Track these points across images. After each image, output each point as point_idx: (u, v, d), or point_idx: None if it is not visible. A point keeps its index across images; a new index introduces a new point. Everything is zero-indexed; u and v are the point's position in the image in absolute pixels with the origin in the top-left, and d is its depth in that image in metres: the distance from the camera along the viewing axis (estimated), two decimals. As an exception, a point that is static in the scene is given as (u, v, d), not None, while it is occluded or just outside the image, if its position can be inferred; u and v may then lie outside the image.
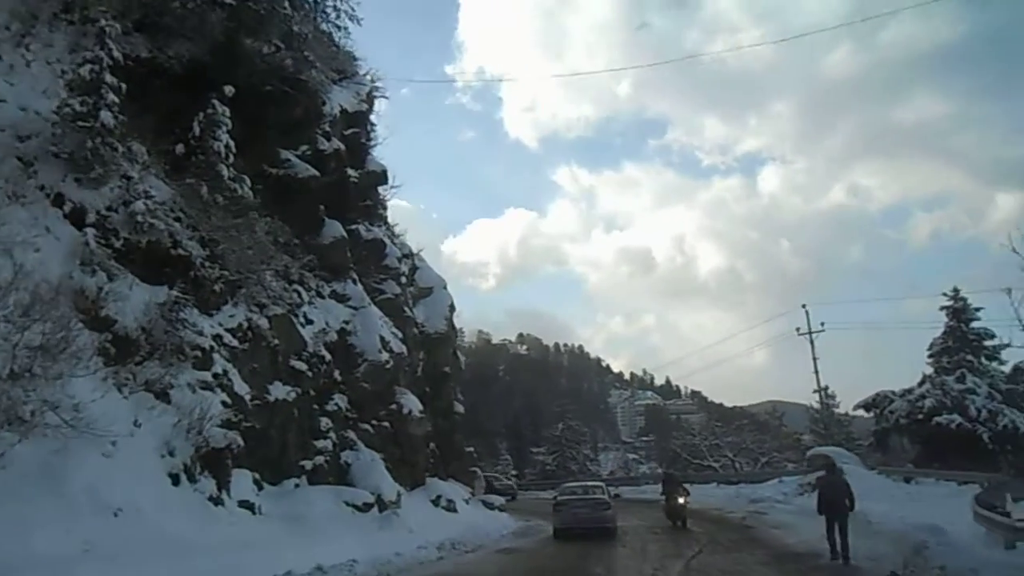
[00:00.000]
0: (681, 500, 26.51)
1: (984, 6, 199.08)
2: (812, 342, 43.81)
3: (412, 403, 29.16)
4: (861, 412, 53.01)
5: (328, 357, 25.72)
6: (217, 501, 16.30)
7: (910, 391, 38.91)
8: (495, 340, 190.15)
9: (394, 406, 28.41)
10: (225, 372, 19.80)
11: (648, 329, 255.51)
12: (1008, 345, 37.75)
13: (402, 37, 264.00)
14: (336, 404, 25.79)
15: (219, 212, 21.95)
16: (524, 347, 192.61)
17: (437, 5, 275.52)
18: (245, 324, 21.73)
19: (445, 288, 36.03)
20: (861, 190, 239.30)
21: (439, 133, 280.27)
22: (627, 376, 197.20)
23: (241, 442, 17.45)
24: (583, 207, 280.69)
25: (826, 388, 51.72)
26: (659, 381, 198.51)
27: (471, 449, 40.04)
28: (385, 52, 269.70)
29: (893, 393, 39.20)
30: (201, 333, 19.46)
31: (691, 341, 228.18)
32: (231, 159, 23.43)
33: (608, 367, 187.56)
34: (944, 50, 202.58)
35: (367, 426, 26.86)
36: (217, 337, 20.34)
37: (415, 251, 36.27)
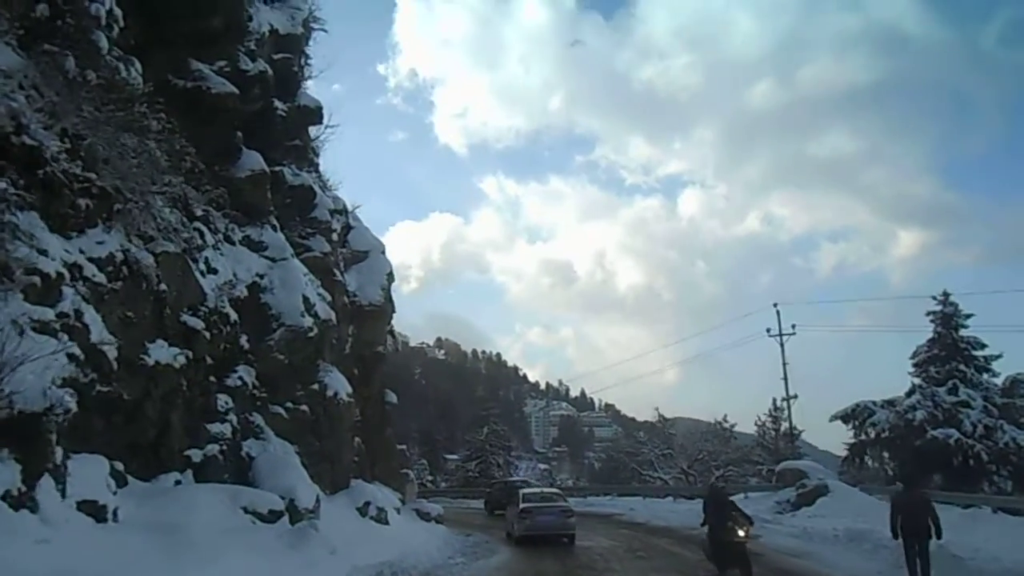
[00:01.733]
0: (742, 533, 15.11)
1: (895, 53, 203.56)
2: (782, 344, 39.11)
3: (339, 384, 22.62)
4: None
5: (234, 317, 19.14)
6: (21, 500, 9.57)
7: (892, 403, 34.35)
8: (413, 343, 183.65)
9: (316, 386, 21.85)
10: (79, 314, 13.08)
11: (565, 341, 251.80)
12: (1000, 356, 33.64)
13: (334, 31, 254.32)
14: (241, 378, 19.22)
15: (92, 99, 15.29)
16: (442, 352, 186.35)
17: (373, 4, 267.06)
18: (120, 257, 14.96)
19: (383, 254, 29.52)
20: (775, 219, 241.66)
21: (368, 133, 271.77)
22: (543, 386, 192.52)
23: (74, 407, 10.76)
24: (508, 217, 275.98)
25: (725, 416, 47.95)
26: (574, 393, 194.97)
27: (403, 447, 33.54)
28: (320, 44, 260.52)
29: (874, 404, 34.56)
30: (46, 254, 12.80)
31: (607, 355, 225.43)
32: (115, 31, 16.83)
33: (525, 376, 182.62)
34: (857, 91, 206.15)
35: (280, 409, 20.29)
36: (74, 267, 13.59)
37: (351, 208, 29.69)
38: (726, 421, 47.56)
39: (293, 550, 14.74)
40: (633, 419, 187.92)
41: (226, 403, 18.40)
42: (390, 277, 29.14)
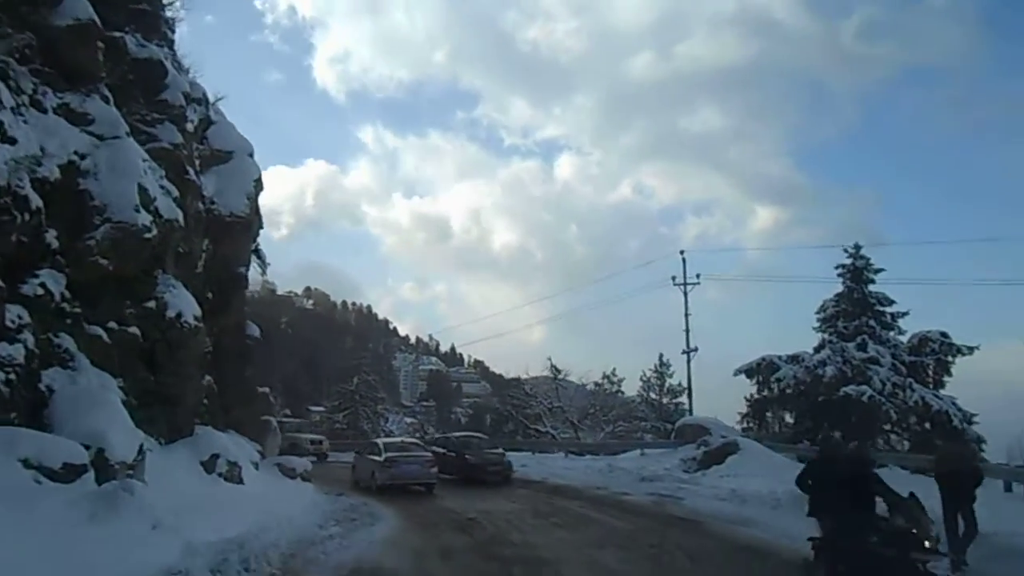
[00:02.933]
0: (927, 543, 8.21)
1: (764, 38, 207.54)
2: (686, 293, 36.02)
3: (185, 304, 17.25)
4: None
5: (37, 203, 13.68)
6: None
7: (797, 358, 31.87)
8: (280, 291, 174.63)
9: (153, 304, 16.46)
10: None
11: (438, 297, 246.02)
12: (907, 313, 31.65)
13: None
14: (43, 285, 13.83)
15: None
16: (310, 301, 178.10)
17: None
18: None
19: (251, 156, 23.89)
20: (645, 188, 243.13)
21: (241, 71, 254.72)
22: (413, 340, 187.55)
23: None
24: (385, 168, 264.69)
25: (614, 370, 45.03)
26: (444, 348, 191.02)
27: (266, 390, 28.30)
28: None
29: (779, 359, 31.99)
30: None
31: (479, 312, 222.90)
32: None
33: (395, 330, 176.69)
34: (727, 71, 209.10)
35: (99, 330, 14.93)
36: None
37: (212, 99, 23.80)
38: (615, 375, 44.67)
39: (93, 523, 9.83)
40: (501, 376, 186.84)
41: (19, 318, 13.05)
42: (258, 185, 23.49)
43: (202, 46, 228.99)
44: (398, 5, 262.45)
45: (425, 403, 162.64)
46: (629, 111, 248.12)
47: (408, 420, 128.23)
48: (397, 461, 22.58)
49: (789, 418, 32.47)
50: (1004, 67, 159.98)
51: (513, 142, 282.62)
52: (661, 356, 49.08)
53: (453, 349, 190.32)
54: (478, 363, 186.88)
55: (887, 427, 28.60)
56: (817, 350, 30.81)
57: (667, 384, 49.21)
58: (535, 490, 23.13)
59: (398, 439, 29.44)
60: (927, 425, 28.32)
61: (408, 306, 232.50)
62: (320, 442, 37.14)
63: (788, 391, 31.10)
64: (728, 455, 27.06)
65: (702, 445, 30.19)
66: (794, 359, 32.01)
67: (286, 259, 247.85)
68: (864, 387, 28.15)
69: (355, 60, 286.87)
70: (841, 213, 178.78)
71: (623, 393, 44.21)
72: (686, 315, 35.88)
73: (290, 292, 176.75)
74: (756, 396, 32.36)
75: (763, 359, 32.05)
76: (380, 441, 25.55)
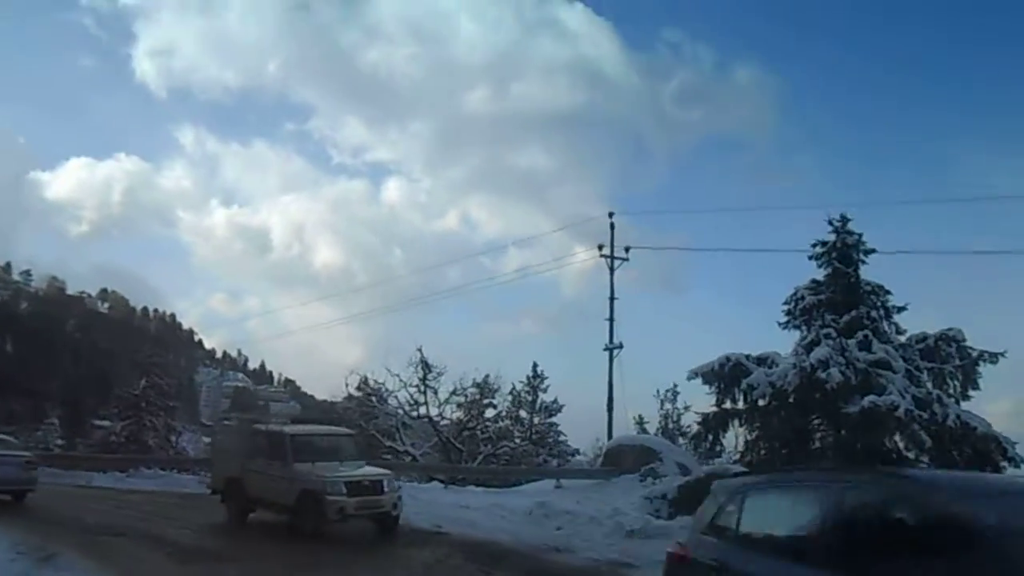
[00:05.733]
0: None
1: (592, 88, 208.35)
2: (612, 268, 25.47)
3: None
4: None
5: None
6: None
7: (766, 360, 22.24)
8: (72, 291, 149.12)
9: None
10: None
11: (251, 312, 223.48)
12: (905, 308, 22.91)
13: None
14: None
15: None
16: (106, 304, 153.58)
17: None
18: None
19: None
20: (471, 219, 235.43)
21: (45, 50, 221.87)
22: (219, 355, 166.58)
23: None
24: (204, 173, 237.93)
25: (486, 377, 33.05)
26: (253, 365, 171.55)
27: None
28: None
29: (747, 359, 22.24)
30: None
31: (293, 330, 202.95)
32: None
33: (200, 342, 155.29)
34: (556, 115, 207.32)
35: None
36: None
37: None
38: (487, 384, 33.13)
39: None
40: (312, 396, 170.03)
41: None
42: None
43: (6, 17, 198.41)
44: (233, 7, 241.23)
45: (226, 422, 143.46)
46: (461, 142, 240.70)
47: (206, 439, 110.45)
48: None
49: (748, 437, 22.65)
50: (792, 142, 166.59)
51: (342, 161, 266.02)
52: (535, 366, 38.59)
53: (263, 366, 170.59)
54: (289, 382, 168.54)
55: (915, 453, 19.41)
56: (808, 348, 21.24)
57: (540, 400, 38.79)
58: (451, 557, 11.52)
59: None
60: (964, 452, 19.41)
61: (217, 319, 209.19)
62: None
63: (760, 402, 21.31)
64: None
65: (650, 475, 19.94)
66: (762, 361, 22.39)
67: (83, 257, 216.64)
68: (893, 398, 18.79)
69: (180, 56, 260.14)
70: (653, 262, 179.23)
71: (494, 407, 32.87)
72: (611, 298, 25.48)
73: (83, 292, 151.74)
74: (718, 407, 22.30)
75: (727, 359, 22.01)
76: None
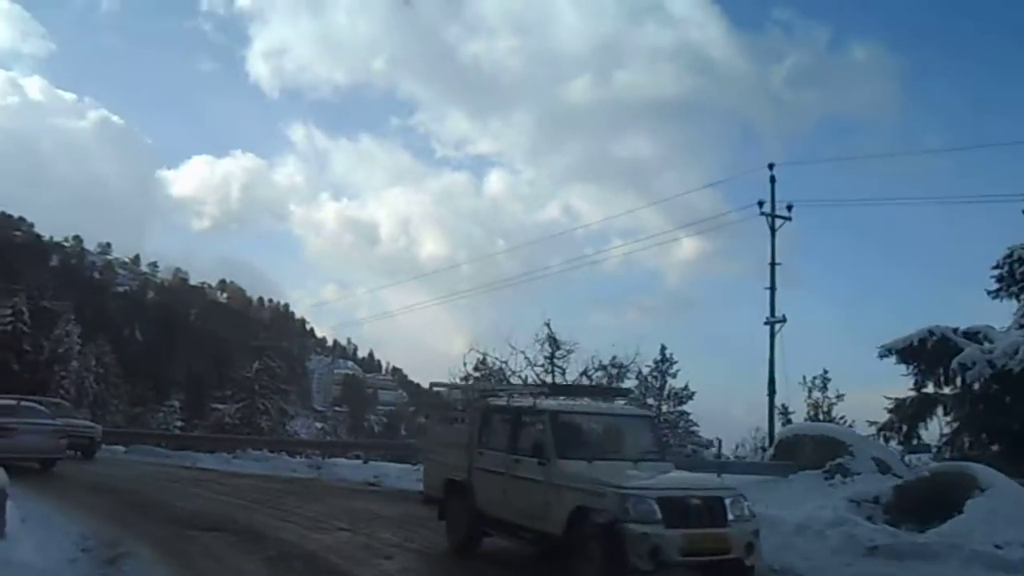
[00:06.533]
0: None
1: (699, 74, 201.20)
2: (773, 228, 21.37)
3: None
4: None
5: None
6: None
7: (977, 335, 17.86)
8: (194, 282, 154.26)
9: None
10: None
11: (360, 302, 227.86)
12: None
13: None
14: None
15: None
16: (224, 295, 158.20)
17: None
18: None
19: None
20: (572, 210, 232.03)
21: (169, 55, 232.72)
22: (330, 343, 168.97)
23: None
24: (314, 169, 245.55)
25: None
26: (363, 353, 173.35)
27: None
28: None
29: (954, 332, 17.85)
30: None
31: (400, 320, 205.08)
32: None
33: (312, 331, 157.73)
34: (663, 102, 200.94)
35: None
36: None
37: None
38: (617, 364, 29.72)
39: None
40: (419, 384, 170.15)
41: None
42: None
43: (135, 26, 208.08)
44: (340, 7, 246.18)
45: (338, 408, 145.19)
46: (563, 132, 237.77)
47: (318, 425, 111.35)
48: (15, 429, 16.64)
49: (950, 427, 18.26)
50: (918, 122, 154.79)
51: (446, 154, 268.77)
52: (663, 349, 34.81)
53: (371, 354, 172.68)
54: (396, 370, 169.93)
55: None
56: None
57: (668, 386, 35.05)
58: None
59: (13, 401, 18.96)
60: None
61: (328, 309, 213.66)
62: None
63: (977, 385, 16.91)
64: (962, 496, 12.57)
65: (837, 472, 16.01)
66: (972, 336, 17.98)
67: (206, 251, 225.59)
68: None
69: (291, 57, 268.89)
70: (764, 249, 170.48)
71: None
72: (773, 263, 21.45)
73: (204, 283, 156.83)
74: (917, 391, 18.09)
75: (930, 332, 17.75)
76: None
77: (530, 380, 24.35)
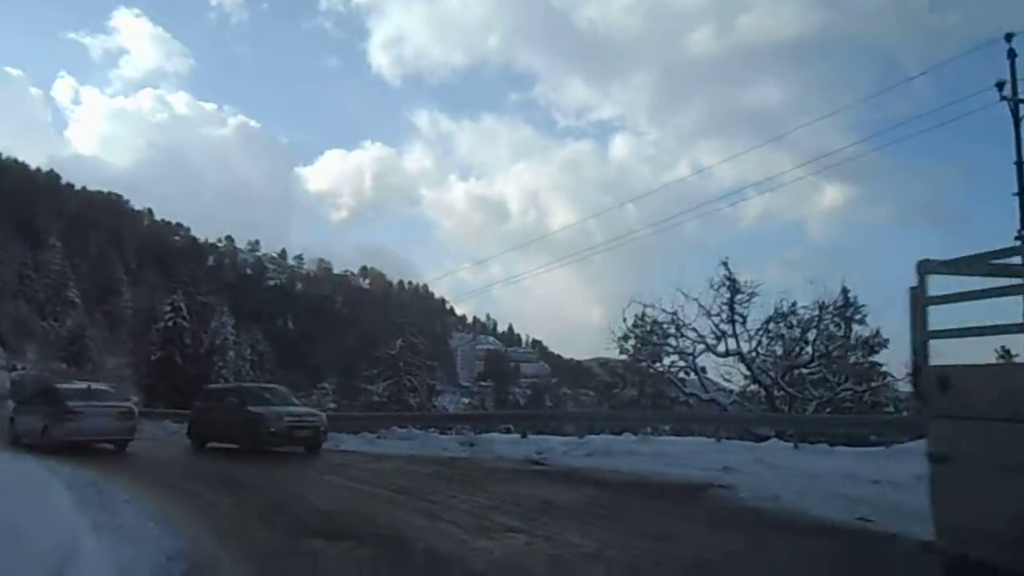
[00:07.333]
0: None
1: (828, 7, 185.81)
2: (1016, 116, 16.54)
3: None
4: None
5: None
6: None
7: None
8: (337, 271, 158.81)
9: None
10: None
11: (495, 278, 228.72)
12: None
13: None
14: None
15: None
16: (367, 281, 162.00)
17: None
18: None
19: None
20: (703, 167, 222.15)
21: (296, 57, 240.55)
22: (470, 320, 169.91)
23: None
24: (440, 152, 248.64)
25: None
26: (502, 328, 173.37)
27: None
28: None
29: None
30: None
31: (537, 293, 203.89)
32: None
33: (452, 310, 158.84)
34: (789, 43, 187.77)
35: None
36: None
37: None
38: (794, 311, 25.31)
39: None
40: (560, 356, 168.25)
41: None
42: None
43: (263, 34, 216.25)
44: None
45: (483, 383, 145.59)
46: (686, 88, 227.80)
47: (464, 400, 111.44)
48: (84, 413, 16.52)
49: None
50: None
51: (567, 123, 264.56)
52: (845, 292, 29.93)
53: (511, 329, 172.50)
54: (536, 343, 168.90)
55: None
56: None
57: (854, 334, 30.09)
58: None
59: (84, 385, 19.89)
60: None
61: (465, 287, 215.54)
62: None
63: None
64: None
65: None
66: None
67: (345, 240, 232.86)
68: None
69: (410, 44, 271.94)
70: (916, 190, 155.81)
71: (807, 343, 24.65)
72: (1019, 162, 16.64)
73: (346, 271, 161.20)
74: None
75: None
76: (61, 387, 19.34)
77: (707, 333, 20.74)
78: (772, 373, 21.60)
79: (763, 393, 22.66)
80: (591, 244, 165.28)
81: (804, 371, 22.29)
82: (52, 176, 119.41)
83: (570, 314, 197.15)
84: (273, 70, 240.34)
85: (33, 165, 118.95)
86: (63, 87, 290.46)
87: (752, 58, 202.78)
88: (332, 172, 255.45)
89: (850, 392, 21.59)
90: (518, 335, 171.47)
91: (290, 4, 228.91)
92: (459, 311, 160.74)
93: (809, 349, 23.96)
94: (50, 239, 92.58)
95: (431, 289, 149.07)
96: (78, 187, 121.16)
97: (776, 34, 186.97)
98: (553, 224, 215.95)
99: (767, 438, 16.71)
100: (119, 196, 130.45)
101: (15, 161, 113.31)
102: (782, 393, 21.15)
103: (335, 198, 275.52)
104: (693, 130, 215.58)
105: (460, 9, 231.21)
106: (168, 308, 56.42)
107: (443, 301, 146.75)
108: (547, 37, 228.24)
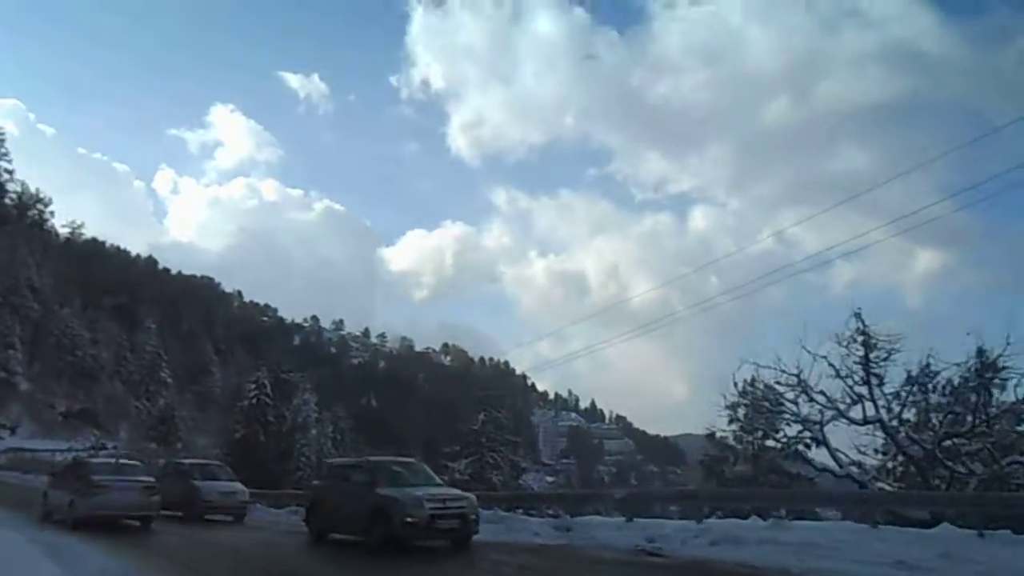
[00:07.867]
0: None
1: (912, 72, 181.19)
2: None
3: None
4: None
5: None
6: None
7: None
8: (419, 348, 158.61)
9: None
10: None
11: (576, 353, 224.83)
12: None
13: (350, 43, 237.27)
14: None
15: None
16: (448, 358, 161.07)
17: (386, 15, 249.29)
18: None
19: None
20: (787, 235, 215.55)
21: (379, 143, 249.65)
22: (551, 396, 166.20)
23: None
24: (518, 229, 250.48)
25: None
26: (584, 404, 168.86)
27: None
28: (336, 54, 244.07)
29: None
30: None
31: (619, 368, 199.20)
32: None
33: (533, 386, 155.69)
34: (873, 109, 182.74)
35: None
36: None
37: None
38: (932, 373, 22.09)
39: None
40: (644, 431, 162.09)
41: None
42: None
43: (348, 123, 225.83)
44: (527, 71, 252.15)
45: (566, 460, 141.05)
46: (765, 157, 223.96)
47: (549, 479, 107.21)
48: (107, 487, 16.45)
49: None
50: None
51: (645, 197, 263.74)
52: (980, 352, 26.36)
53: (593, 404, 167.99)
54: (620, 418, 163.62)
55: None
56: None
57: (995, 399, 26.23)
58: None
59: (111, 459, 20.89)
60: None
61: (546, 362, 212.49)
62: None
63: None
64: None
65: None
66: None
67: (427, 318, 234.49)
68: None
69: (487, 126, 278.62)
70: (1018, 252, 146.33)
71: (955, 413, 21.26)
72: None
73: (428, 348, 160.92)
74: None
75: None
76: (90, 461, 20.83)
77: (838, 396, 17.79)
78: (928, 444, 18.34)
79: (902, 468, 19.39)
80: (673, 316, 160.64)
81: (958, 441, 18.92)
82: (151, 262, 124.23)
83: (654, 389, 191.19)
84: (357, 156, 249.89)
85: (134, 252, 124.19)
86: (163, 179, 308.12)
87: (833, 125, 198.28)
88: (414, 252, 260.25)
89: (1019, 466, 18.12)
90: (601, 411, 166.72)
91: (374, 95, 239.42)
92: (540, 387, 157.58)
93: (970, 417, 20.66)
94: (146, 321, 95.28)
95: (512, 365, 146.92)
96: (174, 272, 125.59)
97: (857, 100, 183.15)
98: (633, 296, 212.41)
99: (923, 522, 13.71)
100: (211, 279, 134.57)
101: (118, 248, 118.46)
102: (945, 465, 17.87)
103: (417, 277, 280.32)
104: (774, 199, 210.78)
105: (535, 90, 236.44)
106: (252, 386, 56.00)
107: (524, 377, 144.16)
108: (622, 113, 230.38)
